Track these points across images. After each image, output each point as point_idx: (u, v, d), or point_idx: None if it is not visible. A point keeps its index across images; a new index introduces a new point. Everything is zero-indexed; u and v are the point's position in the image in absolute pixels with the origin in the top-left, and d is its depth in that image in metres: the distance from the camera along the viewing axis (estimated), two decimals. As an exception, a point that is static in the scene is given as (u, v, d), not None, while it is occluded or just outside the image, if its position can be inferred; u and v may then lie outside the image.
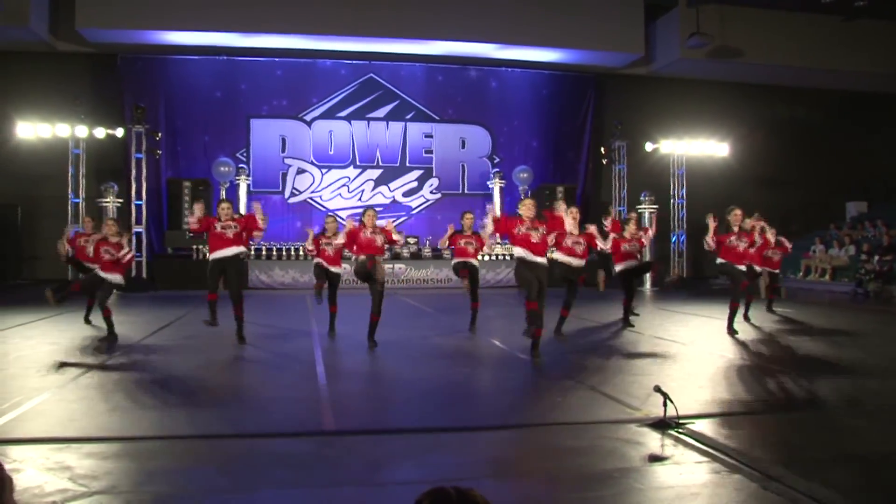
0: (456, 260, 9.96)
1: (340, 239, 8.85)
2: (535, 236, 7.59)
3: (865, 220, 20.76)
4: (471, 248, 9.89)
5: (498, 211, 19.45)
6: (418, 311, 13.14)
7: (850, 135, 22.81)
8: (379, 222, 8.77)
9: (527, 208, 7.74)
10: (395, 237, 8.72)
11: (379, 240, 8.49)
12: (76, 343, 8.70)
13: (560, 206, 8.24)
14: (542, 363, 7.33)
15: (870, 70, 21.01)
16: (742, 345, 8.71)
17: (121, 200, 17.97)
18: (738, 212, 9.77)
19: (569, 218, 8.19)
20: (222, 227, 8.46)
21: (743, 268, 9.71)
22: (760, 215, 10.31)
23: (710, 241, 9.63)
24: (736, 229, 9.71)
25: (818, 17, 20.25)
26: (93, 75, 19.46)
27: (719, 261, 9.80)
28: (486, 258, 18.57)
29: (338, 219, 10.16)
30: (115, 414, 5.22)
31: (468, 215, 10.20)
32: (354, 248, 8.54)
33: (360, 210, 20.44)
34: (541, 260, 7.60)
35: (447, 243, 10.08)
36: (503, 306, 13.55)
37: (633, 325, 10.20)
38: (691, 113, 20.51)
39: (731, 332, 9.48)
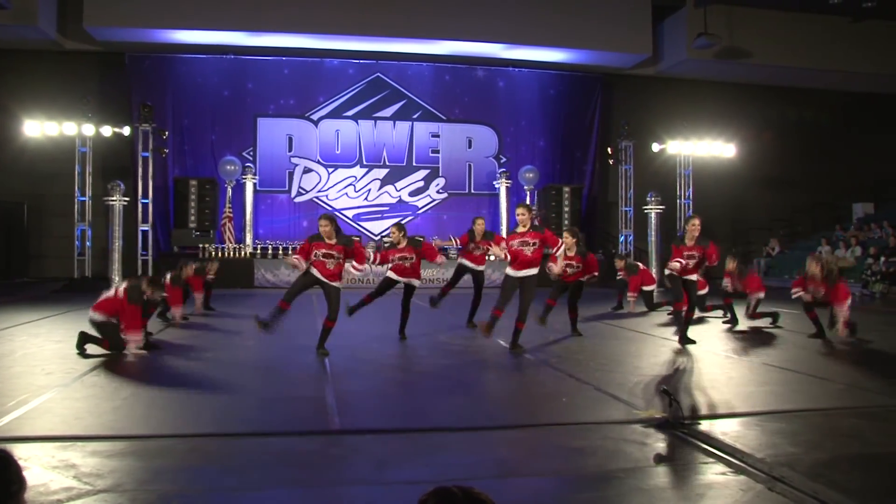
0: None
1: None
2: (527, 250, 7.78)
3: (872, 221, 20.68)
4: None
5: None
6: (424, 311, 13.13)
7: (858, 136, 22.77)
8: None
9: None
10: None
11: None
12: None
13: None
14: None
15: (877, 71, 20.95)
16: (747, 346, 8.68)
17: (127, 199, 18.01)
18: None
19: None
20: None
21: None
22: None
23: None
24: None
25: (826, 17, 20.21)
26: (100, 74, 19.54)
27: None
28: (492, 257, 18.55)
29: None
30: (120, 412, 5.23)
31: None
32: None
33: (365, 209, 20.78)
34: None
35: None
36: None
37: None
38: (698, 113, 20.49)
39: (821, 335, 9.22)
